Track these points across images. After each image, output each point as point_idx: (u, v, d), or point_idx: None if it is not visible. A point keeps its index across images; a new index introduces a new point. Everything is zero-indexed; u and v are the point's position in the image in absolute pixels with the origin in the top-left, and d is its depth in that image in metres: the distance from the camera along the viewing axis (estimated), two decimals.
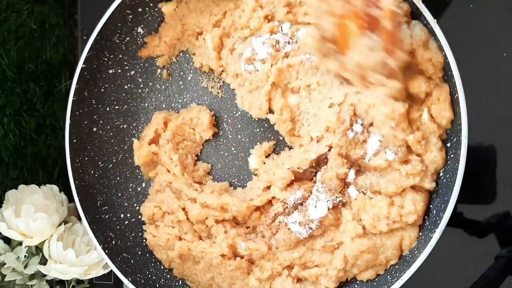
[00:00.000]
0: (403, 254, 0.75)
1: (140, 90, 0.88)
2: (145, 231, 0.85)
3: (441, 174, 0.73)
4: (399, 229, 0.74)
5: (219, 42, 0.81)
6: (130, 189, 0.88)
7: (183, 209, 0.82)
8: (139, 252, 0.86)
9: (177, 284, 0.85)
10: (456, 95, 0.68)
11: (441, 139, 0.72)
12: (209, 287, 0.82)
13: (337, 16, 0.64)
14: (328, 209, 0.76)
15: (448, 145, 0.72)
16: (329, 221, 0.77)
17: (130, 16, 0.83)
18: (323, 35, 0.65)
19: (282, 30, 0.76)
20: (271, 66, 0.76)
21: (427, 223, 0.73)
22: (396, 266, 0.74)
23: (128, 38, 0.85)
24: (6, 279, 0.83)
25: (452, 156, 0.71)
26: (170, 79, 0.88)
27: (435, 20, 0.68)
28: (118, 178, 0.88)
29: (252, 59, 0.77)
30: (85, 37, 0.91)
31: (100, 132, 0.87)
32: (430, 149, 0.71)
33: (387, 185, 0.72)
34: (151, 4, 0.84)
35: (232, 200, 0.80)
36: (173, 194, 0.83)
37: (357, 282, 0.78)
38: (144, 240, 0.86)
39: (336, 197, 0.76)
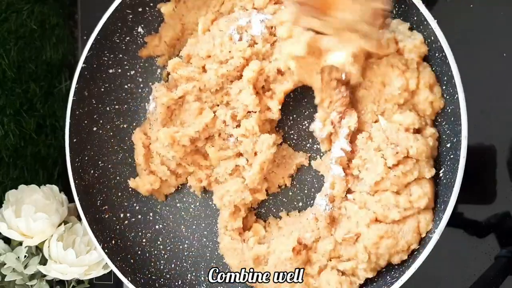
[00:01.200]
0: (422, 237, 0.72)
1: (140, 90, 0.88)
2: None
3: (441, 174, 0.73)
4: (413, 214, 0.72)
5: (210, 25, 0.81)
6: (130, 189, 0.88)
7: None
8: (139, 252, 0.86)
9: (176, 284, 0.85)
10: (456, 95, 0.68)
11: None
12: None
13: None
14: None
15: (448, 145, 0.72)
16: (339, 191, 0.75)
17: (130, 16, 0.83)
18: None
19: None
20: (249, 47, 0.76)
21: None
22: (396, 266, 0.74)
23: (128, 38, 0.85)
24: (6, 279, 0.83)
25: (452, 156, 0.70)
26: None
27: (435, 20, 0.68)
28: (118, 177, 0.88)
29: (243, 29, 0.76)
30: (85, 37, 0.91)
31: (100, 131, 0.86)
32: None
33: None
34: (151, 4, 0.84)
35: None
36: None
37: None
38: (144, 240, 0.86)
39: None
